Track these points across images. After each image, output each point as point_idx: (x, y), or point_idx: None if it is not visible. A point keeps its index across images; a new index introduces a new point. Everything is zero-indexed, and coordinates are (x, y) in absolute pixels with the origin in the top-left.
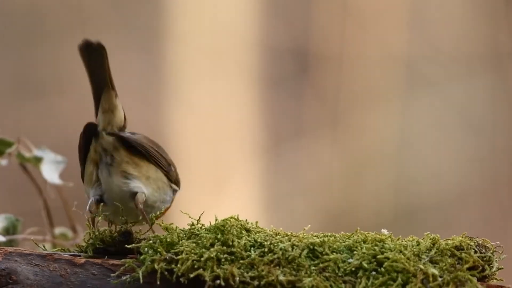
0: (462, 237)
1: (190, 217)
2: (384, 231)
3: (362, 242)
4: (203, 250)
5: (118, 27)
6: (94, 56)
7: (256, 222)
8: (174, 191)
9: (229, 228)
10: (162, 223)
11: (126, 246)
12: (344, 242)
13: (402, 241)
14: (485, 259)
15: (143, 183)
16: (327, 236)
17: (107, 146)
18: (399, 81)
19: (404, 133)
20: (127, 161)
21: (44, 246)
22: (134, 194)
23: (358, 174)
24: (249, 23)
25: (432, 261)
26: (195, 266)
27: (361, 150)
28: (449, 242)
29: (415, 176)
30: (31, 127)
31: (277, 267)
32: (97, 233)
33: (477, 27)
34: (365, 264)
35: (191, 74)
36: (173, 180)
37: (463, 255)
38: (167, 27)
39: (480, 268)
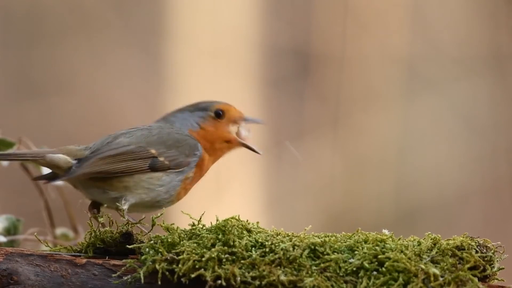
0: (463, 237)
1: (191, 217)
2: (385, 231)
3: (363, 242)
4: (204, 250)
5: (118, 27)
6: None
7: (257, 222)
8: (180, 171)
9: (230, 229)
10: (163, 223)
11: (127, 246)
12: (345, 242)
13: (403, 241)
14: (486, 259)
15: (125, 193)
16: (328, 236)
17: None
18: (400, 81)
19: (405, 134)
20: (96, 186)
21: (47, 244)
22: (116, 199)
23: (359, 174)
24: (250, 23)
25: (433, 261)
26: (196, 266)
27: (362, 150)
28: (450, 242)
29: (416, 176)
30: (32, 127)
31: (278, 267)
32: (97, 233)
33: (478, 28)
34: (366, 264)
35: (191, 74)
36: (167, 167)
37: (464, 255)
38: (167, 27)
39: (481, 268)
